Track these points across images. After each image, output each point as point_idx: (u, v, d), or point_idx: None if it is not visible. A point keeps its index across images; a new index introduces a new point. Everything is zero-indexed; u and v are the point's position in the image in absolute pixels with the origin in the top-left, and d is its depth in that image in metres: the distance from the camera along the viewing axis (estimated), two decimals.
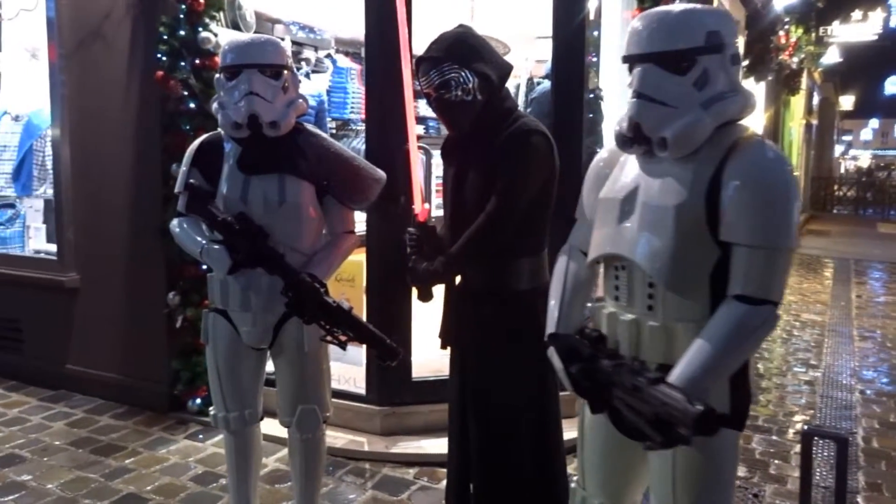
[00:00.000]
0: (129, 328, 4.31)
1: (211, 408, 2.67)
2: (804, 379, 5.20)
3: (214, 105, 2.45)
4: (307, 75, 5.36)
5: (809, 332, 6.66)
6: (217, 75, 2.49)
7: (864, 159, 51.27)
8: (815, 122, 20.99)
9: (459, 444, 2.55)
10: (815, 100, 20.25)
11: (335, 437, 3.64)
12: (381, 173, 2.63)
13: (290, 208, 2.42)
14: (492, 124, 2.35)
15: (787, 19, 9.45)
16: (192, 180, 2.45)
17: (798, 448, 3.73)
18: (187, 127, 3.84)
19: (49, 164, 4.84)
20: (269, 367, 2.68)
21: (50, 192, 4.88)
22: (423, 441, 3.68)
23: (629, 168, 1.75)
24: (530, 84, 5.12)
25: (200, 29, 3.82)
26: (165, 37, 3.82)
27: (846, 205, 25.42)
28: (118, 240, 4.28)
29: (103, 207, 4.33)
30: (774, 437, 4.00)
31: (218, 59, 3.75)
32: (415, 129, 2.49)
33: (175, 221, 2.57)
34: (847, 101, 32.41)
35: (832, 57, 16.53)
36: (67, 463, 3.55)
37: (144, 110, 4.07)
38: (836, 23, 14.59)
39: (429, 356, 3.63)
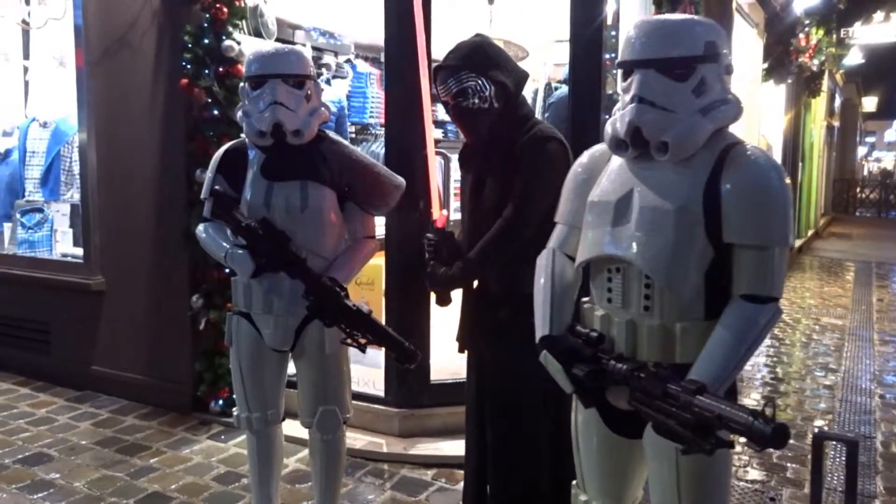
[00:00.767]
0: (153, 330, 4.40)
1: (234, 408, 2.74)
2: (824, 383, 5.19)
3: (239, 114, 2.52)
4: (328, 81, 5.44)
5: (829, 335, 6.63)
6: (242, 84, 2.55)
7: (888, 161, 50.63)
8: (836, 123, 20.79)
9: (477, 445, 2.59)
10: (837, 101, 20.05)
11: (354, 439, 3.70)
12: (401, 180, 2.69)
13: (313, 214, 2.49)
14: (508, 131, 2.39)
15: (807, 21, 9.40)
16: (217, 186, 2.52)
17: (823, 459, 3.74)
18: (211, 133, 3.92)
19: (76, 170, 4.95)
20: (291, 369, 2.75)
21: (77, 196, 4.99)
22: (440, 443, 3.73)
23: (617, 172, 1.79)
24: (548, 89, 5.16)
25: (224, 37, 3.89)
26: (190, 45, 3.91)
27: (868, 207, 25.17)
28: (143, 243, 4.37)
29: (129, 212, 4.42)
30: (792, 441, 4.00)
31: (241, 67, 3.89)
32: (433, 135, 2.54)
33: (201, 226, 2.64)
34: (870, 103, 32.04)
35: (854, 58, 16.38)
36: (94, 462, 3.63)
37: (169, 117, 4.16)
38: (857, 24, 14.46)
39: (447, 359, 3.67)
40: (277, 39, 4.90)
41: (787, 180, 1.70)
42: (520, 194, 2.32)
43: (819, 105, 13.98)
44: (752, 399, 4.74)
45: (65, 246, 5.07)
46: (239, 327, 2.61)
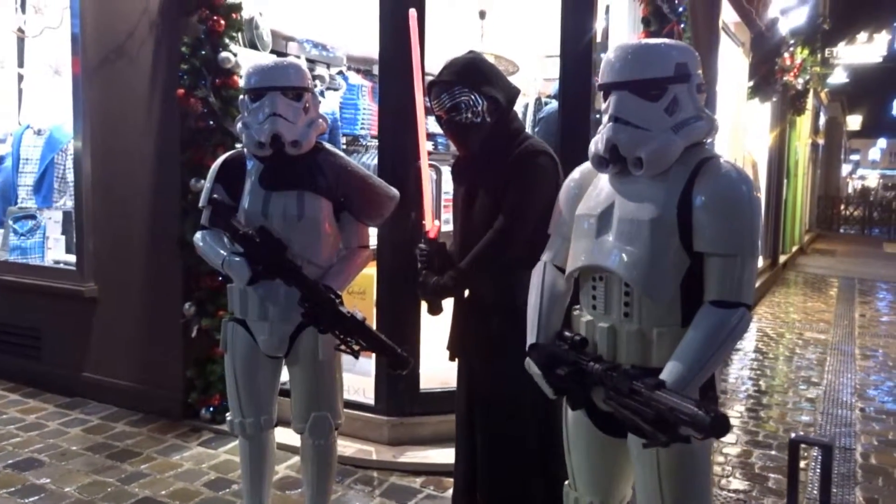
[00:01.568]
0: (145, 337, 4.42)
1: (227, 413, 2.78)
2: (806, 396, 5.27)
3: (238, 125, 2.58)
4: (322, 93, 5.50)
5: (812, 350, 6.74)
6: (241, 97, 2.62)
7: (872, 179, 51.24)
8: (821, 141, 21.07)
9: (467, 453, 2.64)
10: (822, 120, 20.33)
11: (344, 446, 3.73)
12: (395, 191, 2.75)
13: (309, 223, 2.55)
14: (500, 145, 2.47)
15: (792, 41, 9.57)
16: (215, 195, 2.58)
17: (799, 464, 3.82)
18: (206, 143, 3.97)
19: (69, 177, 4.98)
20: (284, 376, 2.79)
21: (69, 204, 5.02)
22: (429, 451, 3.77)
23: (602, 186, 1.91)
24: (538, 104, 5.25)
25: (220, 49, 3.95)
26: (187, 56, 3.96)
27: (852, 224, 25.47)
28: (136, 251, 4.40)
29: (122, 219, 4.46)
30: (774, 452, 4.08)
31: (237, 79, 3.96)
32: (426, 148, 2.61)
33: (198, 234, 2.69)
34: (854, 121, 32.51)
35: (839, 77, 16.66)
36: (84, 467, 3.65)
37: (164, 126, 4.20)
38: (841, 44, 14.74)
39: (436, 368, 3.73)
40: (271, 51, 4.98)
41: (758, 194, 1.80)
42: (511, 206, 2.39)
43: (804, 123, 14.19)
44: (735, 411, 4.82)
45: (57, 253, 5.09)
46: (234, 333, 2.66)
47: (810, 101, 13.72)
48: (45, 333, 4.82)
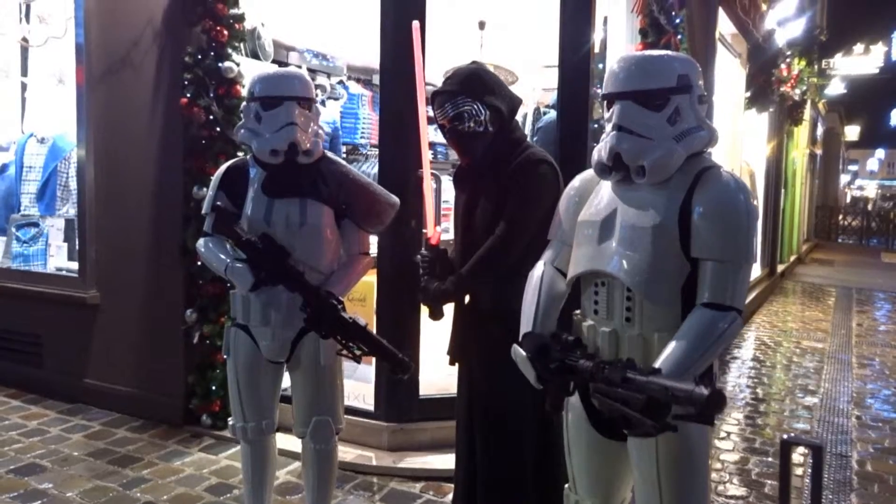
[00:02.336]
0: (146, 344, 4.45)
1: (229, 418, 2.81)
2: (803, 404, 5.30)
3: (242, 132, 2.62)
4: (323, 102, 5.55)
5: (810, 358, 6.77)
6: (247, 104, 2.64)
7: (871, 189, 51.37)
8: (819, 151, 21.15)
9: (467, 458, 2.68)
10: (820, 130, 20.41)
11: (345, 452, 3.76)
12: (395, 199, 2.79)
13: (311, 230, 2.59)
14: (502, 154, 2.52)
15: (789, 52, 9.65)
16: (218, 202, 2.62)
17: (797, 471, 3.85)
18: (208, 152, 4.01)
19: (72, 185, 5.03)
20: (285, 382, 2.83)
21: (72, 211, 5.06)
22: (429, 456, 3.80)
23: (604, 194, 1.96)
24: (537, 113, 5.30)
25: (223, 59, 4.00)
26: (191, 66, 4.01)
27: (850, 234, 25.52)
28: (138, 258, 4.44)
29: (125, 227, 4.49)
30: (770, 459, 4.10)
31: (240, 88, 4.00)
32: (428, 156, 2.65)
33: (201, 241, 2.73)
34: (853, 132, 32.63)
35: (836, 88, 16.76)
36: (86, 473, 3.68)
37: (167, 134, 4.24)
38: (838, 55, 14.85)
39: (436, 375, 3.77)
40: (273, 61, 5.03)
41: (754, 202, 1.85)
42: (511, 213, 2.44)
43: (801, 133, 14.27)
44: (732, 418, 4.85)
45: (59, 260, 5.12)
46: (237, 339, 2.70)
47: (808, 112, 13.80)
48: (47, 340, 4.85)
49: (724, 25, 6.96)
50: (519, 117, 5.46)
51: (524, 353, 1.88)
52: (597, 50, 4.50)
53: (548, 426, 2.53)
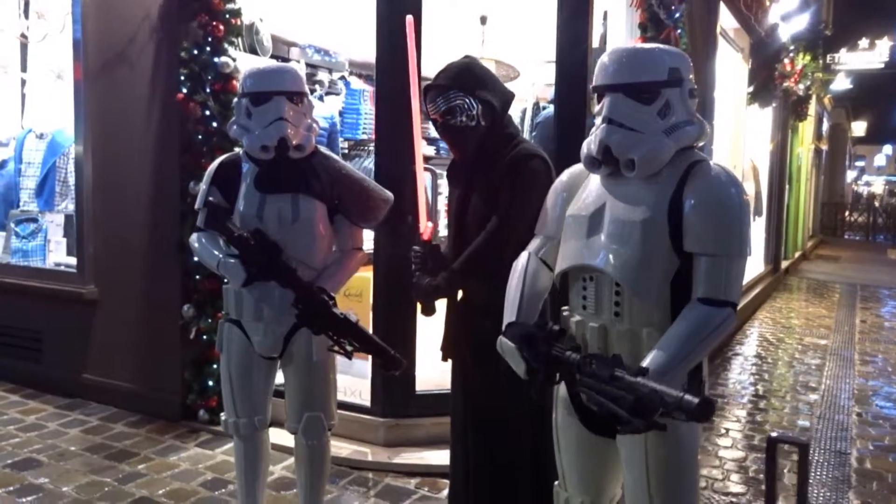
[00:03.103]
0: (144, 339, 4.46)
1: (222, 413, 2.81)
2: (804, 400, 5.28)
3: (234, 128, 2.61)
4: (321, 98, 5.53)
5: (812, 355, 6.74)
6: (238, 100, 2.64)
7: (878, 185, 51.11)
8: (825, 147, 21.06)
9: (462, 453, 2.67)
10: (825, 126, 20.33)
11: (340, 447, 3.76)
12: (389, 194, 2.78)
13: (303, 225, 2.58)
14: (494, 149, 2.50)
15: (792, 47, 9.59)
16: (210, 198, 2.61)
17: (777, 461, 3.82)
18: (204, 147, 4.00)
19: (71, 181, 5.03)
20: (279, 379, 2.82)
21: (71, 207, 5.07)
22: (425, 452, 3.79)
23: (592, 188, 1.94)
24: (536, 108, 5.27)
25: (220, 54, 3.99)
26: (187, 61, 4.00)
27: (856, 230, 25.43)
28: (136, 254, 4.44)
29: (123, 222, 4.50)
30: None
31: (236, 83, 3.99)
32: (421, 151, 2.64)
33: (194, 236, 2.72)
34: (859, 127, 32.42)
35: (842, 84, 16.67)
36: (82, 467, 3.68)
37: (164, 130, 4.24)
38: (843, 50, 14.76)
39: (432, 370, 3.76)
40: (272, 56, 5.02)
41: (746, 196, 1.83)
42: (503, 209, 2.42)
43: (806, 129, 14.20)
44: (733, 415, 4.83)
45: (58, 255, 5.13)
46: (230, 334, 2.69)
47: (813, 107, 13.73)
48: (45, 336, 4.86)
49: (727, 20, 6.91)
50: (518, 112, 5.47)
51: (511, 344, 1.87)
52: (596, 45, 4.47)
53: (542, 421, 2.52)
